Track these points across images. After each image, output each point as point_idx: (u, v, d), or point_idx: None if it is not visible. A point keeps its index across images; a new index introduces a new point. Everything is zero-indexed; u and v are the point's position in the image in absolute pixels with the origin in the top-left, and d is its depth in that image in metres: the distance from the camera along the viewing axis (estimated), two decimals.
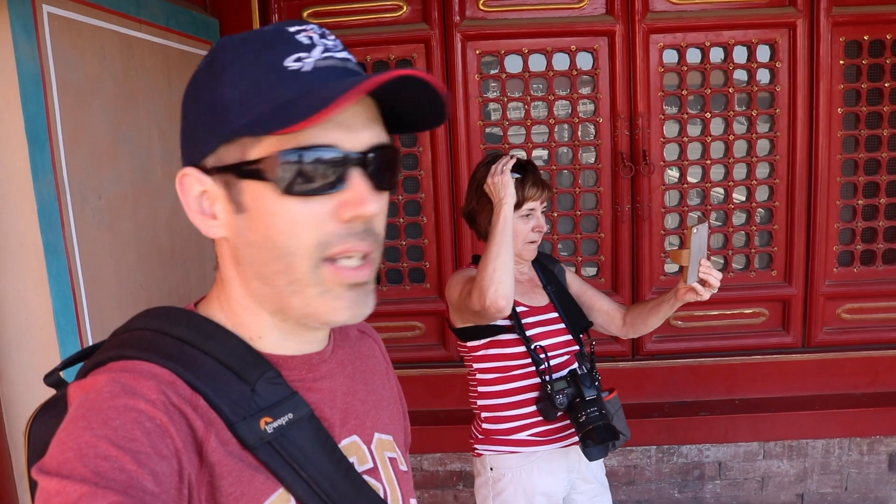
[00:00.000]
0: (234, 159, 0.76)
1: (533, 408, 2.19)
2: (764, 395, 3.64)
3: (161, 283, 2.61)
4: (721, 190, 3.57)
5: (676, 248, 1.98)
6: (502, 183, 2.09)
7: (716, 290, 2.02)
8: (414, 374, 3.60)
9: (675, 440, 3.57)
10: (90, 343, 2.12)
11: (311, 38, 0.76)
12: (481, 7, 3.41)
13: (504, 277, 1.98)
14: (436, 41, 3.41)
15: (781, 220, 3.56)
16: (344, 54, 0.78)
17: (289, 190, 0.74)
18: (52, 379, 0.87)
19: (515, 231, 2.18)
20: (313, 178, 0.74)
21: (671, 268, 3.60)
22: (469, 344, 2.24)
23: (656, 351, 3.64)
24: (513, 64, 3.48)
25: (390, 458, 0.96)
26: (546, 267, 2.37)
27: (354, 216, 0.75)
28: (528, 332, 2.19)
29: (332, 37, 0.79)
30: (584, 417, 2.07)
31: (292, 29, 0.77)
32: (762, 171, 3.55)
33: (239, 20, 3.35)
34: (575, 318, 2.29)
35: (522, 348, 2.19)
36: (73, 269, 2.09)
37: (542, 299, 2.29)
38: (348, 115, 0.75)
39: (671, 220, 3.61)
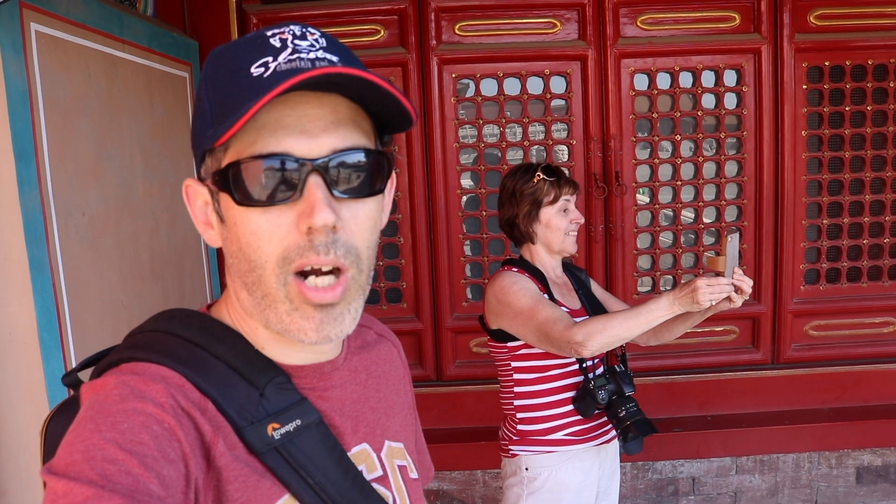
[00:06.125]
0: (213, 170, 0.76)
1: (570, 407, 2.24)
2: (735, 411, 3.71)
3: (142, 301, 2.60)
4: (691, 210, 3.66)
5: (713, 255, 2.04)
6: (710, 293, 2.00)
7: (747, 298, 2.04)
8: None
9: (649, 456, 3.61)
10: (73, 359, 2.11)
11: (284, 40, 0.73)
12: (457, 31, 3.48)
13: (614, 342, 2.03)
14: (413, 65, 3.47)
15: (750, 240, 3.65)
16: (319, 53, 0.73)
17: (241, 201, 0.73)
18: (70, 379, 0.86)
19: (555, 226, 2.26)
20: (265, 188, 0.72)
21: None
22: (509, 344, 2.26)
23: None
24: (488, 87, 3.55)
25: (400, 466, 0.95)
26: (574, 273, 2.45)
27: (308, 227, 0.71)
28: None
29: (316, 35, 0.75)
30: (623, 412, 2.17)
31: (269, 32, 0.75)
32: (731, 192, 3.65)
33: (217, 43, 3.33)
34: None
35: None
36: (56, 285, 2.09)
37: (576, 302, 2.34)
38: (305, 118, 0.72)
39: (643, 240, 3.68)
